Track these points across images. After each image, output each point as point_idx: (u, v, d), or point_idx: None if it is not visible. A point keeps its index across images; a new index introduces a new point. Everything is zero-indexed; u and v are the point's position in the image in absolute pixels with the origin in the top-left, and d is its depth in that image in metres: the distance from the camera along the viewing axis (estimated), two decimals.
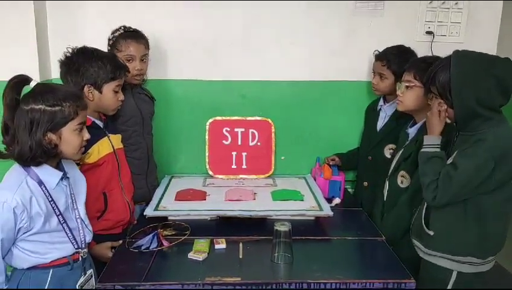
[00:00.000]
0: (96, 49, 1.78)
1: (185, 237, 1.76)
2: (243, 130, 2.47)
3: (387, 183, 1.99)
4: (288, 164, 2.56)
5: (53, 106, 1.39)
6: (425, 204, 1.69)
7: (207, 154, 2.47)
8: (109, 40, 2.09)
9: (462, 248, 1.61)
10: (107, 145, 1.83)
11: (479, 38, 2.40)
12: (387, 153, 2.21)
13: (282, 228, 1.62)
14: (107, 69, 1.74)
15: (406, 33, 2.40)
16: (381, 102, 2.31)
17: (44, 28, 2.30)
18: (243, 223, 1.92)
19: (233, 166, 2.47)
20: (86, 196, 1.63)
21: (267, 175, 2.48)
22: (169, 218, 1.94)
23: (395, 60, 2.14)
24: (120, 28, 2.10)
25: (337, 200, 2.25)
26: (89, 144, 1.65)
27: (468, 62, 1.55)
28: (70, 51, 1.75)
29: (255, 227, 1.89)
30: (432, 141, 1.66)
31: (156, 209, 1.98)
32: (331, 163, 2.42)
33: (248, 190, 2.22)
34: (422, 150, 1.67)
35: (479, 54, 1.59)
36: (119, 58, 1.87)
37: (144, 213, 1.94)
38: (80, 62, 1.72)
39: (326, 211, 1.97)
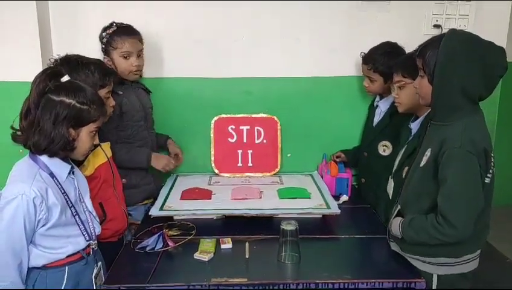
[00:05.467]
0: (80, 56, 1.74)
1: (191, 237, 1.74)
2: (248, 127, 2.44)
3: (391, 181, 1.95)
4: (295, 161, 2.53)
5: (82, 104, 1.43)
6: (397, 207, 1.60)
7: (212, 152, 2.44)
8: (102, 38, 2.05)
9: (430, 248, 1.49)
10: (101, 155, 1.80)
11: (488, 31, 2.32)
12: (381, 149, 2.19)
13: (289, 227, 1.60)
14: (95, 76, 1.70)
15: (412, 27, 2.36)
16: (377, 98, 2.28)
17: (47, 29, 2.28)
18: (249, 222, 1.90)
19: (239, 164, 2.45)
20: None
21: (273, 173, 2.46)
22: (175, 218, 1.92)
23: (381, 61, 2.10)
24: (111, 24, 2.06)
25: (344, 198, 2.22)
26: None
27: (459, 43, 1.41)
28: (53, 61, 1.70)
29: (261, 226, 1.87)
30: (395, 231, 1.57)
31: (161, 209, 1.96)
32: (337, 160, 2.39)
33: (254, 188, 2.20)
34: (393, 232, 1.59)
35: (472, 37, 1.44)
36: (105, 64, 1.83)
37: (150, 213, 1.93)
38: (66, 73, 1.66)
39: (334, 209, 1.94)
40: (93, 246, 1.55)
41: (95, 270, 1.55)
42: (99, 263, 1.59)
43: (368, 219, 2.02)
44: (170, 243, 1.69)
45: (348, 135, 2.48)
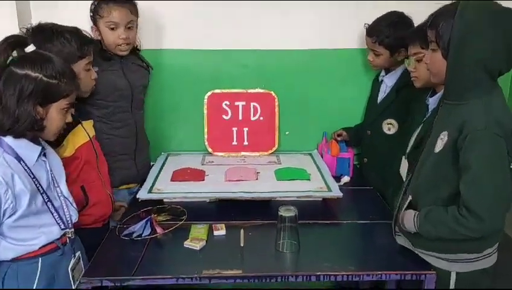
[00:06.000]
0: (55, 25, 1.56)
1: (181, 222, 1.61)
2: (243, 103, 2.28)
3: (405, 161, 1.80)
4: (293, 139, 2.38)
5: (51, 78, 1.28)
6: (408, 197, 1.41)
7: (205, 130, 2.29)
8: (91, 6, 1.86)
9: (449, 243, 1.34)
10: (82, 134, 1.64)
11: None
12: (386, 128, 2.05)
13: (288, 213, 1.47)
14: (73, 46, 1.53)
15: None
16: (382, 72, 2.12)
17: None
18: (245, 205, 1.76)
19: (234, 142, 2.30)
20: None
21: (270, 152, 2.31)
22: (165, 200, 1.79)
23: (387, 33, 1.93)
24: None
25: (345, 179, 2.09)
26: (62, 135, 1.48)
27: (477, 12, 1.24)
28: (24, 31, 1.50)
29: (257, 210, 1.74)
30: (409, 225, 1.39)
31: (150, 191, 1.82)
32: (338, 139, 2.25)
33: (250, 168, 2.06)
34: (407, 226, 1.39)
35: (491, 4, 1.27)
36: (84, 32, 1.63)
37: (137, 196, 1.78)
38: (39, 43, 1.49)
39: (335, 192, 1.81)
40: (70, 235, 1.41)
41: (72, 262, 1.41)
42: (78, 253, 1.45)
43: (371, 202, 1.89)
44: (158, 230, 1.56)
45: (350, 112, 2.33)
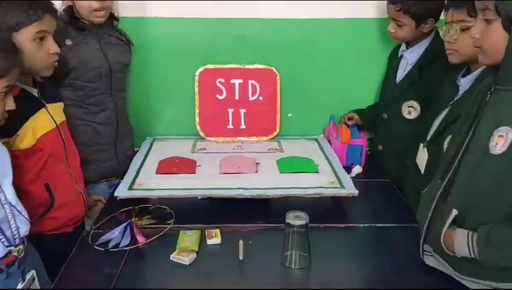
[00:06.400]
0: None
1: (168, 227, 1.34)
2: (240, 81, 1.98)
3: (423, 151, 1.54)
4: (297, 122, 2.09)
5: None
6: (452, 211, 1.08)
7: (197, 111, 1.99)
8: None
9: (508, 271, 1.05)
10: (46, 121, 1.35)
11: None
12: (406, 111, 1.77)
13: (297, 221, 1.20)
14: (17, 8, 1.21)
15: None
16: (403, 46, 1.83)
17: None
18: (243, 204, 1.49)
19: (230, 126, 2.01)
20: (23, 191, 1.19)
21: (270, 137, 2.03)
22: (149, 198, 1.51)
23: (413, 0, 1.62)
24: None
25: (357, 169, 1.82)
26: (19, 121, 1.21)
27: None
28: None
29: (258, 210, 1.49)
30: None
31: (131, 187, 1.54)
32: (349, 123, 1.97)
33: (248, 158, 1.78)
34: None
35: None
36: None
37: (115, 194, 1.50)
38: None
39: (350, 189, 1.54)
40: (17, 253, 1.13)
41: (21, 286, 1.13)
42: (31, 273, 1.18)
43: (389, 199, 1.63)
44: (140, 238, 1.29)
45: (362, 91, 2.04)
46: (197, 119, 2.00)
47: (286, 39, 1.98)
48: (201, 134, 2.01)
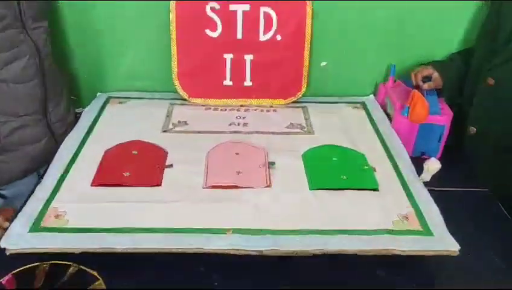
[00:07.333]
0: None
1: None
2: (246, 8, 1.19)
3: None
4: (333, 75, 1.33)
5: None
6: None
7: (175, 57, 1.24)
8: None
9: None
10: None
11: None
12: None
13: None
14: None
15: None
16: None
17: None
18: (243, 261, 0.81)
19: (227, 82, 1.26)
20: None
21: (293, 100, 1.29)
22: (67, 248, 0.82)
23: None
24: None
25: (434, 165, 1.05)
26: None
27: None
28: None
29: (266, 270, 0.80)
30: None
31: (37, 224, 0.83)
32: (425, 87, 1.19)
33: (255, 148, 1.06)
34: None
35: None
36: None
37: (1, 244, 0.80)
38: None
39: (448, 244, 0.81)
40: None
41: None
42: None
43: (497, 225, 0.94)
44: None
45: (438, 34, 1.25)
46: (175, 70, 1.25)
47: None
48: (182, 93, 1.27)
